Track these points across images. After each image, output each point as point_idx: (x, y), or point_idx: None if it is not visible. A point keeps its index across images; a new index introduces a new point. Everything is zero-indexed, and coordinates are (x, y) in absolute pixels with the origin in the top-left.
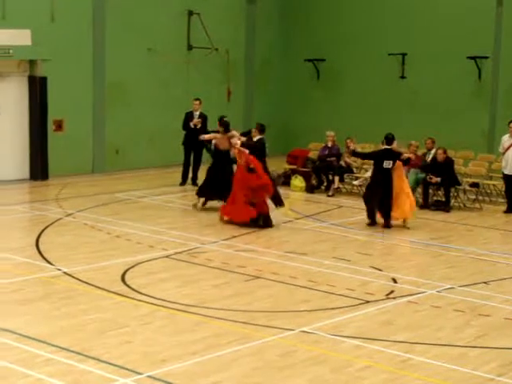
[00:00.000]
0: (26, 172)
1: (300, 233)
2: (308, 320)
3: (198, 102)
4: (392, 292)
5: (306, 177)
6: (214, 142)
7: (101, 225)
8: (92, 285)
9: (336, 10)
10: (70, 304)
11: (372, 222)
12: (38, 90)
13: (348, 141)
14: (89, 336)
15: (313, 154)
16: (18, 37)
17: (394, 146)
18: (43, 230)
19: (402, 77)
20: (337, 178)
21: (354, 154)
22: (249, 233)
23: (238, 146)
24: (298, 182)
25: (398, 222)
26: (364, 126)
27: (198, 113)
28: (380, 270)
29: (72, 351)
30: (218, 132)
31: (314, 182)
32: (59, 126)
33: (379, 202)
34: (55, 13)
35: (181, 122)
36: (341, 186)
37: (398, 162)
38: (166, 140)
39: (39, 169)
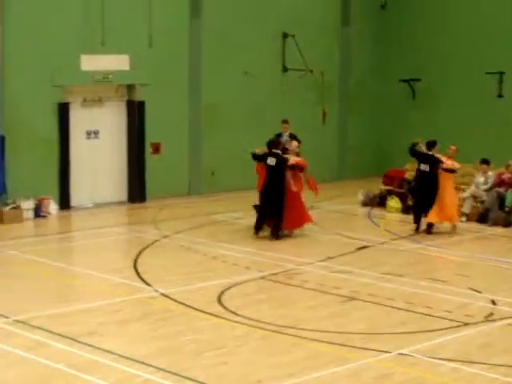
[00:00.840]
0: (124, 194)
1: (396, 254)
2: (405, 342)
3: (286, 125)
4: (491, 314)
5: (402, 198)
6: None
7: (197, 246)
8: (189, 306)
9: (431, 29)
10: (167, 325)
11: (416, 228)
12: (136, 114)
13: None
14: (186, 357)
15: (409, 175)
16: (117, 62)
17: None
18: (141, 252)
19: (500, 95)
20: None
21: (412, 149)
22: (344, 254)
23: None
24: (394, 202)
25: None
26: (460, 146)
27: (287, 134)
28: (479, 291)
29: (169, 372)
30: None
31: (410, 202)
32: (156, 148)
33: (419, 206)
34: (153, 38)
35: None
36: None
37: (445, 173)
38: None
39: (137, 191)
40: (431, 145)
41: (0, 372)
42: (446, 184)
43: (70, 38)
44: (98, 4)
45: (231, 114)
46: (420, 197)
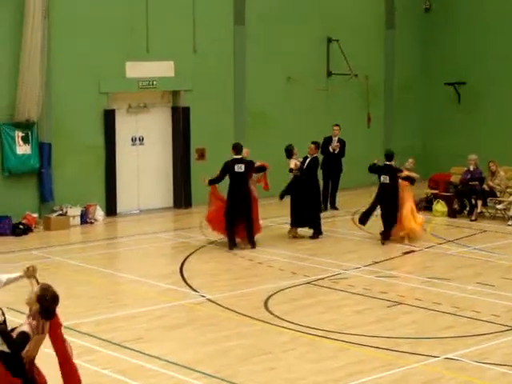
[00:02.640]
0: (170, 200)
1: (443, 258)
2: (453, 346)
3: (337, 128)
4: None
5: (449, 201)
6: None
7: (243, 252)
8: (235, 311)
9: (476, 32)
10: (214, 330)
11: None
12: (180, 120)
13: (491, 164)
14: (233, 362)
15: (455, 178)
16: (162, 69)
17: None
18: (187, 258)
19: None
20: (480, 202)
21: (371, 167)
22: (391, 258)
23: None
24: (440, 206)
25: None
26: (507, 149)
27: (336, 138)
28: None
29: (216, 377)
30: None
31: (456, 206)
32: (202, 154)
33: (384, 219)
34: (197, 44)
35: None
36: (484, 210)
37: (404, 182)
38: None
39: (183, 197)
40: (390, 156)
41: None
42: (405, 195)
43: (115, 46)
44: (143, 11)
45: (276, 120)
46: (383, 209)
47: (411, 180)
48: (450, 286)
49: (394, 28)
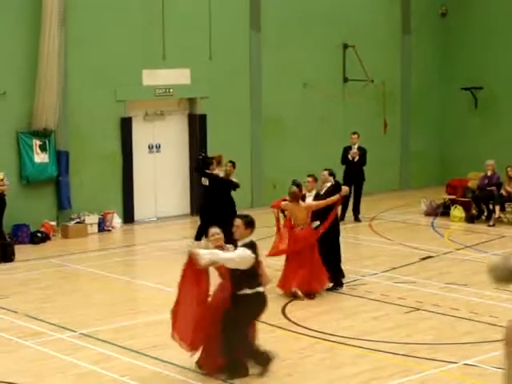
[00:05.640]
0: (187, 207)
1: (461, 263)
2: (471, 352)
3: (355, 136)
4: None
5: (466, 207)
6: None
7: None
8: None
9: (493, 36)
10: None
11: None
12: (197, 127)
13: (509, 169)
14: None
15: (472, 184)
16: (178, 76)
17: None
18: None
19: None
20: (497, 208)
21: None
22: (408, 264)
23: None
24: (457, 212)
25: None
26: None
27: (356, 146)
28: None
29: None
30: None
31: (474, 211)
32: (219, 162)
33: None
34: (213, 51)
35: (337, 154)
36: (502, 215)
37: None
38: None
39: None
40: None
41: None
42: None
43: (131, 54)
44: (159, 19)
45: (292, 126)
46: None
47: None
48: (468, 292)
49: (410, 33)
